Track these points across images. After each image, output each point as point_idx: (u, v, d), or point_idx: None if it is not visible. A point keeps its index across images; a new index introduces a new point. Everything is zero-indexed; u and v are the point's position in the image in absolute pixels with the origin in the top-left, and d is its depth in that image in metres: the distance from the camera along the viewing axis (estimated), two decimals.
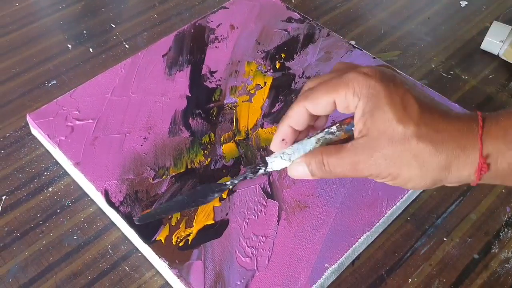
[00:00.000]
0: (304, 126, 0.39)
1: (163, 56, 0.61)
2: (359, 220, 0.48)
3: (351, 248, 0.46)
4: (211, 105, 0.57)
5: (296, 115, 0.38)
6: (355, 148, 0.36)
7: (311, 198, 0.49)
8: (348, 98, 0.36)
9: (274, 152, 0.41)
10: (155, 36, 0.67)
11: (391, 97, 0.35)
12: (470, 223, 0.51)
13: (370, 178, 0.36)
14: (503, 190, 0.53)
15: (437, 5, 0.73)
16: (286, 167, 0.40)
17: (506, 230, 0.50)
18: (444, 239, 0.50)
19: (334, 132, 0.38)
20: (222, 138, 0.53)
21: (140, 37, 0.68)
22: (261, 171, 0.40)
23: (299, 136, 0.40)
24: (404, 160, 0.34)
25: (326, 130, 0.39)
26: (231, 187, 0.43)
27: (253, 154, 0.52)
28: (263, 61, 0.61)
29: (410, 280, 0.47)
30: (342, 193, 0.49)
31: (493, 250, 0.49)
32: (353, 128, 0.37)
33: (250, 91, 0.58)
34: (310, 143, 0.39)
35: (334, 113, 0.38)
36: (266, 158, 0.40)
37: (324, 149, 0.37)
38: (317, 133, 0.39)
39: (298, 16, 0.66)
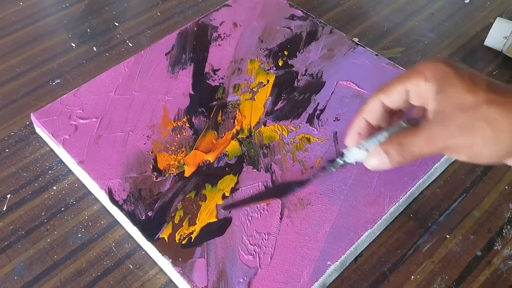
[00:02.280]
0: (379, 121, 0.40)
1: (166, 54, 0.61)
2: (361, 217, 0.48)
3: (354, 245, 0.46)
4: (214, 103, 0.57)
5: (371, 108, 0.40)
6: (430, 124, 0.36)
7: (314, 196, 0.49)
8: (420, 85, 0.37)
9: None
10: (158, 34, 0.67)
11: (459, 74, 0.36)
12: (473, 220, 0.51)
13: (446, 152, 0.36)
14: (506, 187, 0.53)
15: (440, 1, 0.73)
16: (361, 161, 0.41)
17: (509, 227, 0.50)
18: (447, 236, 0.50)
19: (405, 126, 0.40)
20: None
21: (143, 35, 0.68)
22: (340, 162, 0.42)
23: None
24: (477, 127, 0.35)
25: (396, 124, 0.40)
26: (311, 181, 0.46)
27: (256, 152, 0.52)
28: (266, 59, 0.61)
29: (412, 277, 0.47)
30: (345, 190, 0.49)
31: (496, 247, 0.49)
32: (421, 121, 0.38)
33: (253, 89, 0.58)
34: (383, 135, 0.40)
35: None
36: (344, 150, 0.42)
37: (400, 133, 0.38)
38: (389, 128, 0.40)
39: (301, 13, 0.66)
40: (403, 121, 0.40)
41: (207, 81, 0.59)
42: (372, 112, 0.40)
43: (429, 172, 0.51)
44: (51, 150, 0.55)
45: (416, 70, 0.37)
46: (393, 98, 0.39)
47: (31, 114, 0.55)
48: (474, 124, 0.35)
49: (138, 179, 0.50)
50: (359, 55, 0.61)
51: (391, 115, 0.41)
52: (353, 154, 0.41)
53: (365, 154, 0.40)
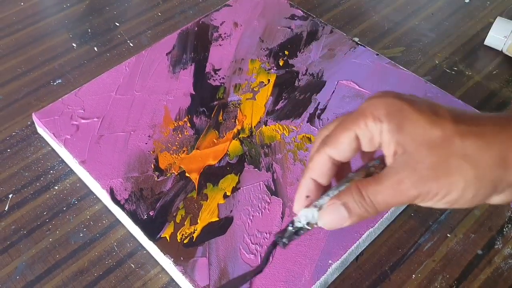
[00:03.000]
0: (328, 179, 0.34)
1: (167, 54, 0.61)
2: None
3: (355, 244, 0.46)
4: (215, 103, 0.57)
5: (318, 165, 0.34)
6: (394, 168, 0.31)
7: None
8: (369, 126, 0.31)
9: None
10: (159, 34, 0.68)
11: (416, 106, 0.31)
12: (473, 219, 0.51)
13: (418, 202, 0.31)
14: None
15: (440, 1, 0.73)
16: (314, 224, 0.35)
17: (509, 225, 0.50)
18: (448, 235, 0.50)
19: (361, 172, 0.34)
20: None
21: (144, 35, 0.68)
22: (290, 229, 0.35)
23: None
24: (453, 165, 0.30)
25: (351, 174, 0.34)
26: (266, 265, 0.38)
27: (257, 151, 0.53)
28: (267, 59, 0.61)
29: (414, 276, 0.47)
30: None
31: (497, 246, 0.49)
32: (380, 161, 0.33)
33: (254, 89, 0.58)
34: (333, 192, 0.34)
35: None
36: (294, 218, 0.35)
37: (358, 181, 0.32)
38: (343, 181, 0.34)
39: (302, 13, 0.66)
40: (353, 173, 0.34)
41: (208, 80, 0.59)
42: (319, 170, 0.34)
43: None
44: (53, 150, 0.56)
45: (361, 111, 0.32)
46: (342, 149, 0.32)
47: (33, 114, 0.56)
48: (449, 162, 0.29)
49: (140, 178, 0.50)
50: (359, 54, 0.61)
51: (340, 168, 0.35)
52: (304, 216, 0.34)
53: (317, 213, 0.34)
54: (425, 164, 0.30)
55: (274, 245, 0.36)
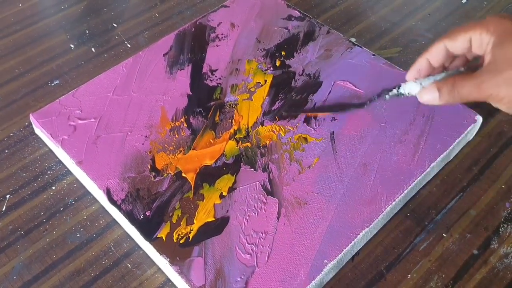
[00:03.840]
0: (440, 63, 0.43)
1: (164, 55, 0.62)
2: (358, 216, 0.48)
3: (351, 244, 0.46)
4: (212, 103, 0.57)
5: (435, 50, 0.43)
6: (481, 72, 0.39)
7: (311, 195, 0.49)
8: (482, 36, 0.40)
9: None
10: (156, 35, 0.68)
11: None
12: (469, 219, 0.51)
13: (490, 100, 0.39)
14: (503, 186, 0.53)
15: (437, 1, 0.73)
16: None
17: (505, 225, 0.50)
18: (444, 235, 0.50)
19: (462, 71, 0.43)
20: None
21: (141, 36, 0.68)
22: (394, 91, 0.45)
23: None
24: None
25: (455, 70, 0.43)
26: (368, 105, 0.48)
27: (254, 151, 0.53)
28: (264, 59, 0.61)
29: (409, 275, 0.47)
30: (342, 189, 0.50)
31: (493, 246, 0.49)
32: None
33: (251, 89, 0.58)
34: (440, 75, 0.43)
35: None
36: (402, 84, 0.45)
37: (455, 76, 0.41)
38: (447, 71, 0.43)
39: (298, 14, 0.66)
40: (462, 68, 0.43)
41: (205, 81, 0.59)
42: (435, 53, 0.43)
43: (426, 171, 0.51)
44: (50, 150, 0.56)
45: (482, 22, 0.40)
46: (457, 44, 0.41)
47: (30, 114, 0.56)
48: None
49: (136, 179, 0.50)
50: (356, 55, 0.61)
51: (451, 61, 0.44)
52: (409, 87, 0.44)
53: (419, 88, 0.43)
54: (503, 75, 0.38)
55: (379, 95, 0.46)
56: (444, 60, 0.43)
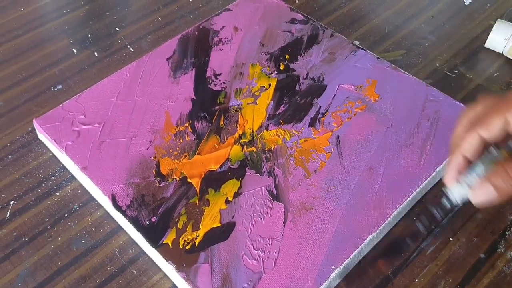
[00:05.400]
0: (477, 156, 0.39)
1: (167, 59, 0.61)
2: (365, 221, 0.48)
3: (357, 249, 0.46)
4: (216, 107, 0.57)
5: (470, 144, 0.39)
6: None
7: (317, 200, 0.49)
8: None
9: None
10: (160, 39, 0.68)
11: None
12: (476, 223, 0.51)
13: None
14: None
15: (440, 3, 0.73)
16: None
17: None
18: (450, 239, 0.50)
19: (496, 153, 0.39)
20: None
21: (144, 40, 0.68)
22: (445, 203, 0.42)
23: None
24: None
25: (487, 153, 0.39)
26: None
27: (259, 156, 0.52)
28: (267, 63, 0.61)
29: (416, 280, 0.47)
30: (348, 194, 0.49)
31: (500, 249, 0.49)
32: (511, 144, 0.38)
33: (255, 93, 0.58)
34: (479, 167, 0.39)
35: None
36: (446, 191, 0.41)
37: (504, 163, 0.37)
38: (482, 158, 0.39)
39: (302, 17, 0.66)
40: (493, 148, 0.39)
41: (209, 85, 0.59)
42: (470, 148, 0.39)
43: (432, 174, 0.51)
44: (54, 156, 0.55)
45: (508, 98, 0.37)
46: (493, 130, 0.38)
47: (34, 120, 0.55)
48: None
49: (141, 184, 0.50)
50: (360, 58, 0.61)
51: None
52: (457, 193, 0.41)
53: (467, 189, 0.40)
54: None
55: (433, 218, 0.46)
56: (481, 151, 0.39)
